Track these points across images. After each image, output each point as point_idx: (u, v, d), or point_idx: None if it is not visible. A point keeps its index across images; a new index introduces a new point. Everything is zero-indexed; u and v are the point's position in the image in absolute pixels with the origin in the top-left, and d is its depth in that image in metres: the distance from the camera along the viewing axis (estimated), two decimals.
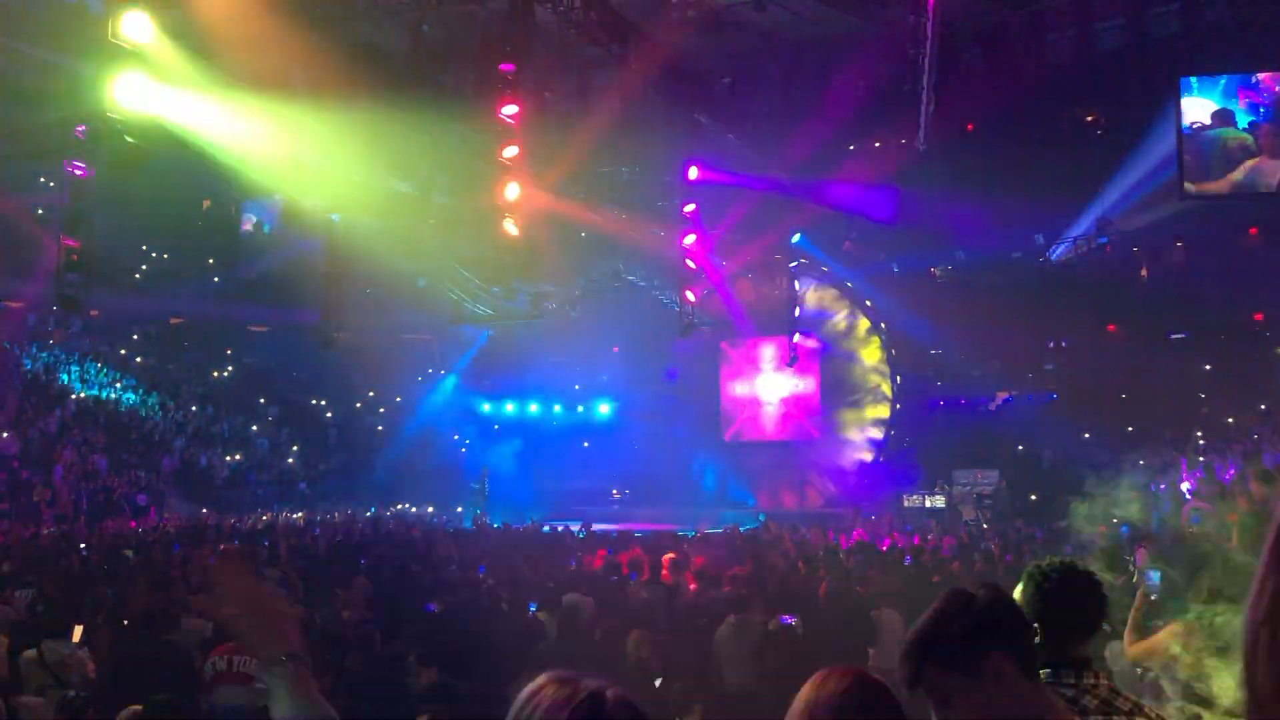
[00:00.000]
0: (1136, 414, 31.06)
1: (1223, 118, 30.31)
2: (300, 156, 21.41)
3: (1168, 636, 5.09)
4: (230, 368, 34.72)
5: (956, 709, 1.85)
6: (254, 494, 28.40)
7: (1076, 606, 2.66)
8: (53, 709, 6.04)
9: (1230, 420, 27.46)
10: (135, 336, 32.92)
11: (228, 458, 29.35)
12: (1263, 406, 27.17)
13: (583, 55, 22.31)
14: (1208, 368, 31.60)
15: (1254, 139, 30.22)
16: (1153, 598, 5.10)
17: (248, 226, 31.55)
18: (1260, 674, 0.89)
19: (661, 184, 25.28)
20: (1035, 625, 2.58)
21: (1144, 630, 5.17)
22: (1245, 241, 32.16)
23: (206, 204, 28.91)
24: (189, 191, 25.65)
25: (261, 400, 33.62)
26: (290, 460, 31.24)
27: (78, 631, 7.34)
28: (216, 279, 35.31)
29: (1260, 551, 0.98)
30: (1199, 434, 27.61)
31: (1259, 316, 31.22)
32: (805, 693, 1.87)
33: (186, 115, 17.07)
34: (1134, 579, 6.31)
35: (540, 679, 1.50)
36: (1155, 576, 5.14)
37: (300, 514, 26.81)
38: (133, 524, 21.74)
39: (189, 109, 17.02)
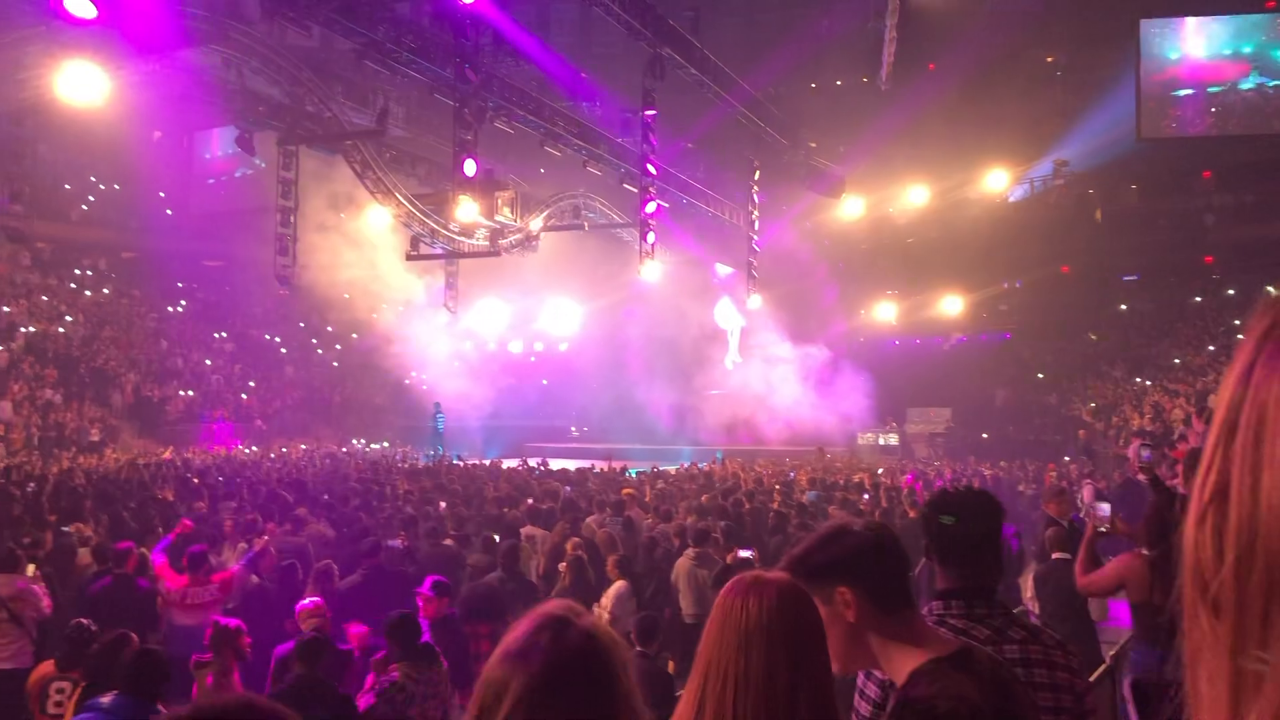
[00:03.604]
0: (1088, 354, 31.57)
1: (1184, 60, 30.48)
2: (257, 86, 20.94)
3: (1117, 568, 5.25)
4: (184, 302, 34.21)
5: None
6: (208, 429, 28.10)
7: (973, 533, 2.52)
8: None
9: (1178, 361, 27.96)
10: (88, 271, 32.23)
11: (181, 393, 29.00)
12: (1211, 348, 27.67)
13: None
14: (1158, 309, 32.08)
15: (1213, 80, 30.44)
16: (1102, 529, 5.23)
17: (201, 158, 30.90)
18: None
19: (623, 119, 24.98)
20: (935, 555, 2.55)
21: (1095, 562, 5.32)
22: (1198, 185, 32.58)
23: (157, 135, 28.19)
24: (139, 121, 24.96)
25: (216, 335, 33.21)
26: (245, 396, 30.95)
27: (30, 567, 7.26)
28: (169, 211, 34.63)
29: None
30: (1143, 377, 28.12)
31: (1209, 259, 31.70)
32: (744, 604, 1.69)
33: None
34: (1083, 513, 6.45)
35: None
36: (1105, 509, 5.26)
37: (256, 449, 26.63)
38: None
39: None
